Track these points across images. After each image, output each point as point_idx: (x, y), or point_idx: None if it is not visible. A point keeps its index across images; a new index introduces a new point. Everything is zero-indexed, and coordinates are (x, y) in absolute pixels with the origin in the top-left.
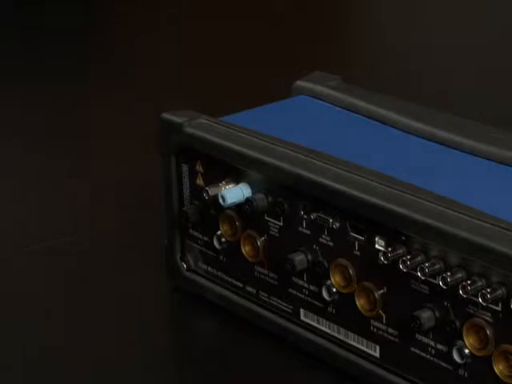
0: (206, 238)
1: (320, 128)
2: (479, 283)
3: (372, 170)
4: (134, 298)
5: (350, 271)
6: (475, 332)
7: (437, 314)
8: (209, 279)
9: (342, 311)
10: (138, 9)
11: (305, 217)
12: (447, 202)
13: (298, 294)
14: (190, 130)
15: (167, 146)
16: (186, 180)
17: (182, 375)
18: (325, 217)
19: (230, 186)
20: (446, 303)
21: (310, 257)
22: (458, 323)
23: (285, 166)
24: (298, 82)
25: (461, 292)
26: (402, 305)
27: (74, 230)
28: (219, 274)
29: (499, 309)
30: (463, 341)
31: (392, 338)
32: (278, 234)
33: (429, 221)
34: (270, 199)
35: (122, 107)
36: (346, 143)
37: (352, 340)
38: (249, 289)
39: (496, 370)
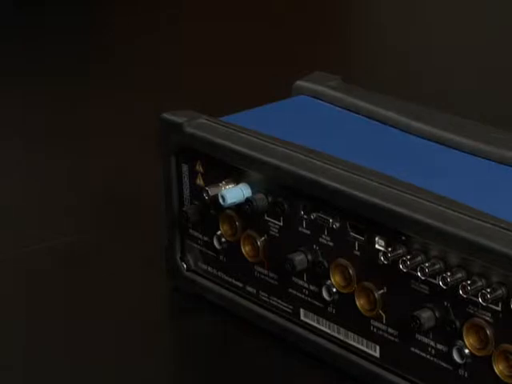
0: (206, 238)
1: (320, 128)
2: (479, 283)
3: (372, 170)
4: (134, 298)
5: (350, 271)
6: (475, 332)
7: (437, 314)
8: (209, 279)
9: (342, 311)
10: (138, 9)
11: (305, 217)
12: (447, 202)
13: (298, 294)
14: (190, 130)
15: (167, 146)
16: (185, 180)
17: (182, 375)
18: (325, 217)
19: (230, 186)
20: (446, 303)
21: (310, 257)
22: (457, 323)
23: (285, 166)
24: (298, 82)
25: (461, 292)
26: (402, 305)
27: (74, 230)
28: (219, 273)
29: (499, 309)
30: (463, 341)
31: (392, 338)
32: (278, 234)
33: (429, 221)
34: (270, 199)
35: (122, 107)
36: (346, 143)
37: (352, 340)
38: (249, 289)
39: (496, 370)
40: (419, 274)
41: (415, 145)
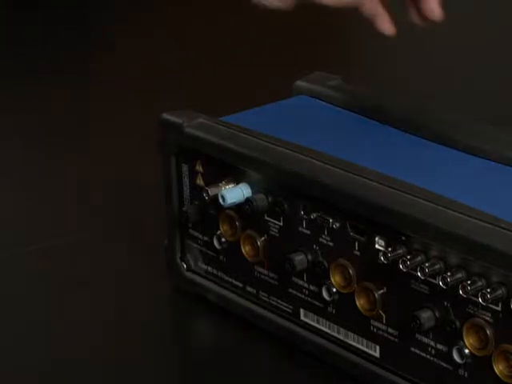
0: (205, 238)
1: (320, 128)
2: (479, 283)
3: (372, 170)
4: (134, 298)
5: (350, 271)
6: (475, 332)
7: (437, 314)
8: (209, 279)
9: (342, 311)
10: (139, 8)
11: (305, 217)
12: (447, 202)
13: (298, 294)
14: (189, 130)
15: (167, 146)
16: (185, 180)
17: (182, 375)
18: (325, 217)
19: (230, 185)
20: (446, 303)
21: (310, 257)
22: (458, 323)
23: (285, 165)
24: (298, 82)
25: (461, 292)
26: (402, 305)
27: (73, 230)
28: (219, 273)
29: (499, 309)
30: (463, 341)
31: (392, 338)
32: (278, 234)
33: (429, 221)
34: (270, 199)
35: (122, 107)
36: (346, 143)
37: (352, 340)
38: (249, 289)
39: (496, 370)
40: (419, 274)
41: (415, 145)
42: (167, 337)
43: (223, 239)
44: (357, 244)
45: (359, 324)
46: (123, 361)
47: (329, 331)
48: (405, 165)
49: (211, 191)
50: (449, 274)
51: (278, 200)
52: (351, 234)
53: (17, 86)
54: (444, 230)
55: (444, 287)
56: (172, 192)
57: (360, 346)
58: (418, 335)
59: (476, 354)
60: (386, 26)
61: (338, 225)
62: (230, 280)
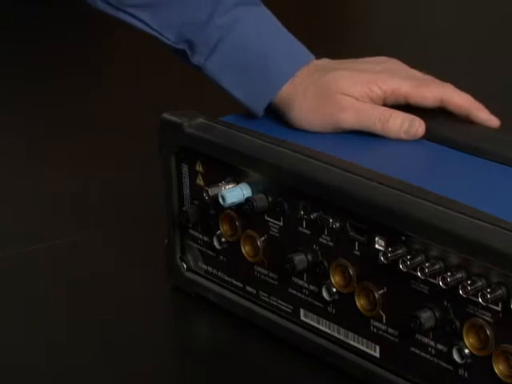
0: (205, 238)
1: None
2: (479, 283)
3: (372, 170)
4: (134, 298)
5: (350, 271)
6: (475, 332)
7: (437, 314)
8: (209, 279)
9: (342, 311)
10: None
11: (305, 217)
12: (447, 202)
13: (298, 294)
14: (189, 130)
15: (167, 146)
16: (186, 180)
17: (181, 375)
18: (325, 217)
19: (230, 185)
20: (446, 303)
21: (310, 257)
22: (457, 323)
23: (285, 165)
24: None
25: (461, 292)
26: (402, 305)
27: (73, 230)
28: (219, 274)
29: (499, 309)
30: (463, 341)
31: (392, 338)
32: (278, 234)
33: (429, 221)
34: (270, 199)
35: (122, 107)
36: (346, 143)
37: (352, 340)
38: (249, 289)
39: (496, 370)
40: (419, 274)
41: (413, 144)
42: (167, 337)
43: (223, 239)
44: (357, 244)
45: (359, 324)
46: (123, 361)
47: (329, 331)
48: (405, 164)
49: (211, 191)
50: (449, 274)
51: (277, 200)
52: (351, 233)
53: (16, 86)
54: (444, 230)
55: (444, 287)
56: (172, 192)
57: (360, 346)
58: (417, 335)
59: (476, 353)
60: (484, 116)
61: (337, 225)
62: (230, 280)
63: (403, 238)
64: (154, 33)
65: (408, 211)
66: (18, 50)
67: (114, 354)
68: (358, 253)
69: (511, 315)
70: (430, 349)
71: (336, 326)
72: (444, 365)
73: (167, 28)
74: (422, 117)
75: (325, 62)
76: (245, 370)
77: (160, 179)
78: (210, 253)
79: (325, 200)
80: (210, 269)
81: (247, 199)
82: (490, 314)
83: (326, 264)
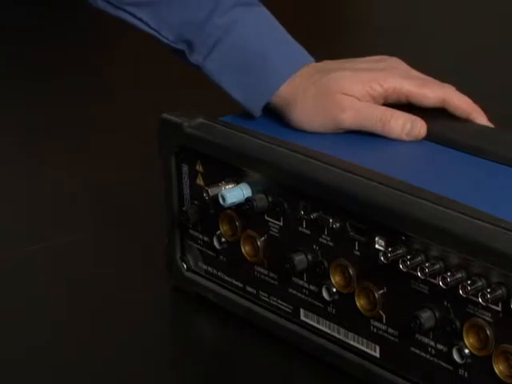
0: (205, 238)
1: None
2: (479, 283)
3: (372, 170)
4: (134, 298)
5: (350, 271)
6: (475, 332)
7: (437, 314)
8: (209, 279)
9: (342, 311)
10: None
11: (305, 217)
12: (447, 202)
13: (298, 294)
14: (189, 130)
15: (167, 145)
16: (186, 180)
17: (181, 375)
18: (325, 217)
19: (230, 185)
20: (446, 303)
21: (310, 257)
22: (458, 323)
23: (285, 165)
24: None
25: (461, 292)
26: (402, 305)
27: (73, 230)
28: (219, 274)
29: (499, 309)
30: (463, 341)
31: (392, 338)
32: (278, 234)
33: (429, 221)
34: (270, 199)
35: (122, 107)
36: (346, 143)
37: (352, 340)
38: (249, 289)
39: (496, 370)
40: (419, 274)
41: (415, 144)
42: (167, 337)
43: (223, 239)
44: (357, 244)
45: (359, 324)
46: (123, 360)
47: (329, 331)
48: (403, 164)
49: (211, 191)
50: (449, 274)
51: (277, 200)
52: (351, 233)
53: (16, 87)
54: (444, 230)
55: (444, 287)
56: (172, 192)
57: (360, 346)
58: (417, 335)
59: (476, 353)
60: (482, 121)
61: (337, 225)
62: (230, 280)
63: (403, 238)
64: (152, 32)
65: (408, 211)
66: (17, 50)
67: (114, 353)
68: (358, 253)
69: (511, 315)
70: (429, 349)
71: (336, 326)
72: (444, 365)
73: (166, 27)
74: (421, 116)
75: (325, 63)
76: (245, 370)
77: (160, 179)
78: (210, 253)
79: (325, 200)
80: (209, 269)
81: (247, 199)
82: (490, 314)
83: (326, 264)
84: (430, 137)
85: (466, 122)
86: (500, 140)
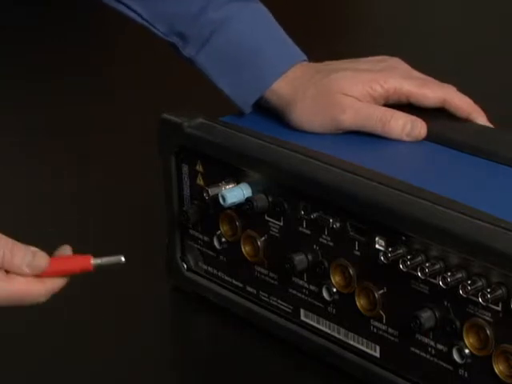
0: (206, 238)
1: None
2: (479, 283)
3: (372, 170)
4: (134, 298)
5: (350, 271)
6: (475, 332)
7: (437, 314)
8: (209, 279)
9: (342, 311)
10: None
11: (305, 217)
12: (447, 202)
13: (298, 294)
14: (189, 130)
15: (167, 146)
16: (186, 180)
17: (181, 375)
18: (325, 217)
19: (230, 185)
20: (446, 303)
21: (310, 257)
22: (458, 323)
23: (285, 165)
24: None
25: (461, 292)
26: (402, 305)
27: (73, 230)
28: (219, 274)
29: (499, 309)
30: (463, 341)
31: (392, 338)
32: (278, 234)
33: (429, 221)
34: (270, 199)
35: (122, 107)
36: (346, 143)
37: (352, 340)
38: (249, 289)
39: (496, 370)
40: (419, 274)
41: (415, 144)
42: (167, 337)
43: (223, 239)
44: (357, 244)
45: (359, 324)
46: (123, 360)
47: (329, 331)
48: (403, 164)
49: (211, 191)
50: (449, 273)
51: (278, 200)
52: (351, 233)
53: (17, 86)
54: (444, 230)
55: (444, 287)
56: (172, 192)
57: (360, 346)
58: (418, 335)
59: (476, 353)
60: (482, 121)
61: (338, 225)
62: (230, 280)
63: (403, 238)
64: (145, 23)
65: (408, 211)
66: (17, 50)
67: (114, 353)
68: (358, 253)
69: (511, 315)
70: (429, 349)
71: (336, 326)
72: (444, 365)
73: (159, 19)
74: (421, 117)
75: (325, 63)
76: (245, 370)
77: (160, 179)
78: (210, 253)
79: (325, 200)
80: (210, 269)
81: (247, 199)
82: (490, 314)
83: (326, 264)
84: (430, 137)
85: (465, 122)
86: (500, 140)
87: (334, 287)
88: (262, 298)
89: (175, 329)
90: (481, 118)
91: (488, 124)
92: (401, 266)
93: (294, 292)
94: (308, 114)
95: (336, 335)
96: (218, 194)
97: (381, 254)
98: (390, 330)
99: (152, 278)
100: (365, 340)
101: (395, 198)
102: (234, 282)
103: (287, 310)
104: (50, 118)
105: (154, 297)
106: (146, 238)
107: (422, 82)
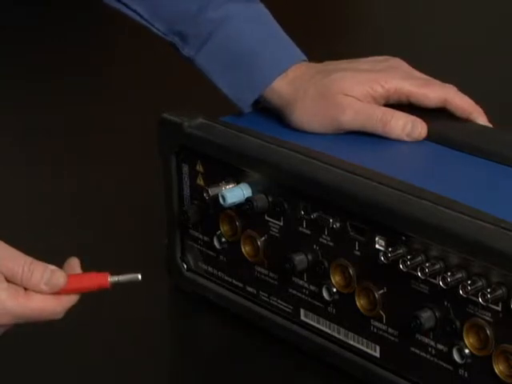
0: (206, 238)
1: None
2: (479, 283)
3: (372, 170)
4: (134, 298)
5: (350, 271)
6: (475, 332)
7: (437, 314)
8: (209, 279)
9: (342, 311)
10: None
11: (305, 217)
12: (447, 202)
13: (298, 294)
14: (189, 130)
15: (167, 146)
16: (186, 180)
17: (181, 375)
18: (325, 217)
19: (230, 185)
20: (446, 303)
21: (310, 257)
22: (458, 323)
23: (285, 165)
24: None
25: (461, 292)
26: (402, 305)
27: (74, 230)
28: (219, 274)
29: (499, 309)
30: (463, 341)
31: (392, 338)
32: (278, 234)
33: (429, 221)
34: (270, 199)
35: (122, 107)
36: (346, 143)
37: (352, 340)
38: (249, 289)
39: (496, 370)
40: (419, 274)
41: (415, 144)
42: (167, 337)
43: (223, 239)
44: (357, 244)
45: (359, 324)
46: (123, 360)
47: (329, 331)
48: (403, 165)
49: (211, 191)
50: (449, 273)
51: (278, 200)
52: (351, 233)
53: (17, 86)
54: (444, 230)
55: (444, 287)
56: (172, 192)
57: (360, 346)
58: (418, 335)
59: (476, 353)
60: (483, 121)
61: (338, 225)
62: (230, 280)
63: (403, 238)
64: (145, 23)
65: (408, 211)
66: (17, 50)
67: (114, 353)
68: (358, 253)
69: (511, 315)
70: (430, 349)
71: (336, 326)
72: (444, 365)
73: (158, 19)
74: (421, 117)
75: (326, 63)
76: (245, 370)
77: (160, 179)
78: (210, 253)
79: (325, 200)
80: (210, 269)
81: (247, 199)
82: (490, 314)
83: (326, 264)
84: (430, 137)
85: (466, 122)
86: (500, 140)
87: (334, 287)
88: (262, 297)
89: (175, 329)
90: (481, 118)
91: (488, 124)
92: (401, 266)
93: (294, 292)
94: (308, 114)
95: (336, 335)
96: (218, 194)
97: (381, 253)
98: (390, 330)
99: (152, 278)
100: (365, 340)
101: (395, 197)
102: (233, 281)
103: (287, 309)
104: (50, 118)
105: (154, 297)
106: (146, 238)
107: (423, 82)
